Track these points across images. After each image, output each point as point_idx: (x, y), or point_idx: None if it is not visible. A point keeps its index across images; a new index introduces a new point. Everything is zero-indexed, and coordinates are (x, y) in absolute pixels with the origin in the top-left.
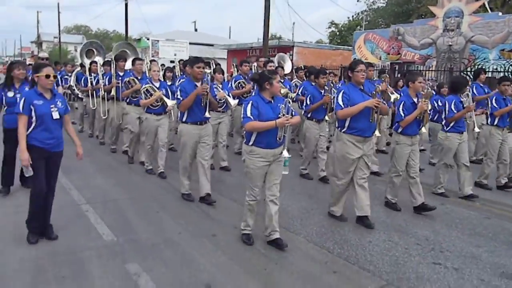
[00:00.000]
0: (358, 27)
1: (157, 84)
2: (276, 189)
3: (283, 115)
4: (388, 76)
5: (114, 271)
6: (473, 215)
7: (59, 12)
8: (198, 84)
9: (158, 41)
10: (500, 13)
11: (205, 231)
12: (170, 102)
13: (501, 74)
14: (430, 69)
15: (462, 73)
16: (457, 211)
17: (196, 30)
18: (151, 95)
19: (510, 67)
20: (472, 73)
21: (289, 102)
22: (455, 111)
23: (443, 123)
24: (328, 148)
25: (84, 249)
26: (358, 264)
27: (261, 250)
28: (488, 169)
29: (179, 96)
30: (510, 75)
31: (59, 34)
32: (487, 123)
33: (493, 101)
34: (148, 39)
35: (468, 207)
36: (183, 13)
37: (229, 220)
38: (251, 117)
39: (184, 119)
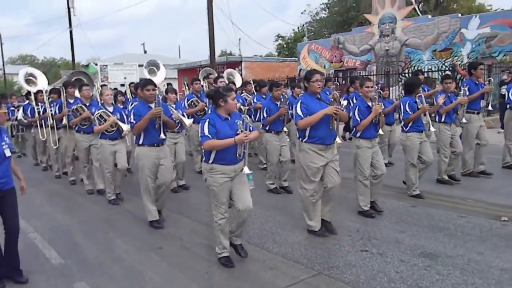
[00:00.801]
0: (304, 38)
1: (111, 109)
2: (247, 199)
3: (242, 131)
4: (338, 84)
5: None
6: (401, 204)
7: (1, 43)
8: (152, 105)
9: (106, 65)
10: (430, 16)
11: (151, 244)
12: (125, 127)
13: (436, 74)
14: (371, 73)
15: (400, 76)
16: (388, 202)
17: (145, 52)
18: (105, 120)
19: (443, 66)
20: (467, 67)
21: (246, 118)
22: (410, 112)
23: (401, 124)
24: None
25: (32, 274)
26: (293, 259)
27: (205, 256)
28: (444, 165)
29: (132, 120)
30: (442, 73)
31: (3, 65)
32: (435, 120)
33: (407, 107)
34: (96, 64)
35: (398, 198)
36: (133, 36)
37: (176, 232)
38: (209, 135)
39: (140, 142)
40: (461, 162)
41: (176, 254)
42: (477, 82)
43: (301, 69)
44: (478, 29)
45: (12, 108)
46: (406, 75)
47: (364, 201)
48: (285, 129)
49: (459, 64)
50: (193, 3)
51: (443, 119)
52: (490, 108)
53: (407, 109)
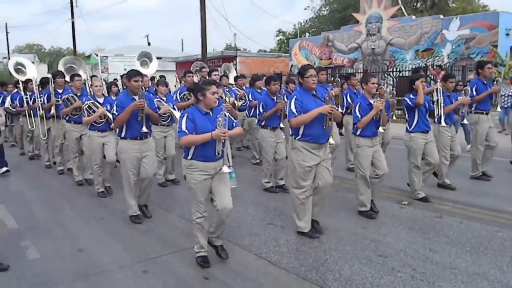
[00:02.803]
0: (307, 34)
1: (101, 100)
2: (226, 200)
3: (220, 127)
4: (339, 80)
5: (9, 247)
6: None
7: (7, 32)
8: (136, 98)
9: (107, 57)
10: (414, 17)
11: (95, 215)
12: None
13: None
14: (358, 71)
15: (384, 74)
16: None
17: (149, 44)
18: (94, 111)
19: (424, 65)
20: (475, 66)
21: (225, 114)
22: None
23: (406, 124)
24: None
25: None
26: (286, 268)
27: (136, 226)
28: (445, 167)
29: (114, 111)
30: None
31: (8, 53)
32: (434, 121)
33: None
34: (97, 55)
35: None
36: (139, 28)
37: (121, 206)
38: (186, 131)
39: (122, 135)
40: (471, 165)
41: (113, 223)
42: (485, 82)
43: (292, 65)
44: (458, 30)
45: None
46: (390, 73)
47: (365, 201)
48: (281, 125)
49: (432, 65)
50: None
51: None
52: (499, 109)
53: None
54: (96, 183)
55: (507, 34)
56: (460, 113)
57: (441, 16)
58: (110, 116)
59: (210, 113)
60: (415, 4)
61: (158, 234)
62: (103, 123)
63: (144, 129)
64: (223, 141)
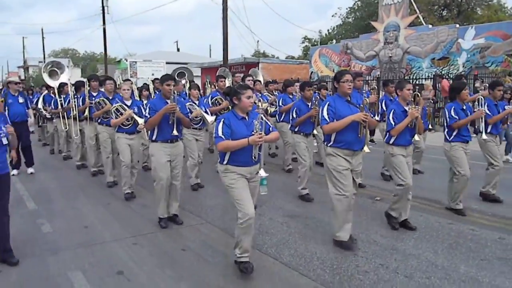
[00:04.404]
0: (334, 40)
1: (129, 103)
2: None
3: (257, 131)
4: (376, 87)
5: (27, 223)
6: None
7: (43, 37)
8: (169, 101)
9: (136, 62)
10: (430, 26)
11: (103, 201)
12: (141, 120)
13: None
14: (376, 78)
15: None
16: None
17: (178, 50)
18: (121, 114)
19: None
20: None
21: (262, 118)
22: (456, 117)
23: (445, 132)
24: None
25: (12, 215)
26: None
27: (136, 210)
28: (497, 176)
29: (146, 114)
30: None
31: (44, 58)
32: (478, 131)
33: (452, 113)
34: (126, 60)
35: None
36: (170, 33)
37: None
38: (223, 136)
39: (154, 138)
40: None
41: (117, 207)
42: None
43: (312, 71)
44: (473, 39)
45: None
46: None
47: (395, 212)
48: (315, 131)
49: (445, 74)
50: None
51: (489, 130)
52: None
53: (453, 115)
54: (123, 184)
55: None
56: (508, 122)
57: (457, 26)
58: (137, 118)
59: (246, 117)
60: (441, 12)
61: (152, 216)
62: (130, 125)
63: (175, 132)
64: (259, 145)
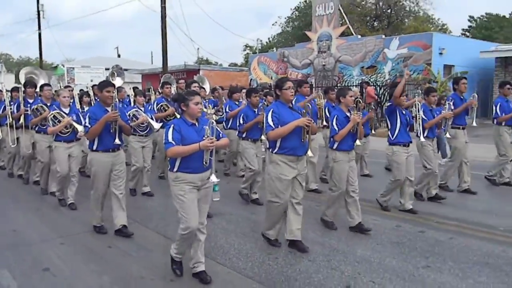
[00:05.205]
0: (274, 48)
1: (67, 110)
2: (204, 217)
3: (207, 137)
4: (321, 94)
5: None
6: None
7: None
8: (109, 109)
9: (73, 68)
10: (359, 36)
11: (33, 207)
12: (80, 128)
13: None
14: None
15: (334, 89)
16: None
17: (119, 55)
18: (59, 121)
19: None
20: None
21: (213, 123)
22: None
23: (389, 133)
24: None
25: None
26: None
27: (66, 213)
28: (436, 178)
29: (87, 123)
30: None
31: None
32: (416, 135)
33: (422, 114)
34: (63, 66)
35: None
36: (111, 39)
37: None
38: (173, 142)
39: (94, 147)
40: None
41: (50, 213)
42: (462, 97)
43: (251, 78)
44: (397, 49)
45: None
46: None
47: (330, 214)
48: (262, 137)
49: (370, 81)
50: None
51: (426, 134)
52: (474, 124)
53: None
54: (67, 196)
55: (440, 53)
56: (442, 127)
57: (383, 36)
58: (76, 126)
59: (196, 124)
60: (372, 23)
61: (82, 218)
62: (69, 133)
63: (117, 141)
64: (210, 150)
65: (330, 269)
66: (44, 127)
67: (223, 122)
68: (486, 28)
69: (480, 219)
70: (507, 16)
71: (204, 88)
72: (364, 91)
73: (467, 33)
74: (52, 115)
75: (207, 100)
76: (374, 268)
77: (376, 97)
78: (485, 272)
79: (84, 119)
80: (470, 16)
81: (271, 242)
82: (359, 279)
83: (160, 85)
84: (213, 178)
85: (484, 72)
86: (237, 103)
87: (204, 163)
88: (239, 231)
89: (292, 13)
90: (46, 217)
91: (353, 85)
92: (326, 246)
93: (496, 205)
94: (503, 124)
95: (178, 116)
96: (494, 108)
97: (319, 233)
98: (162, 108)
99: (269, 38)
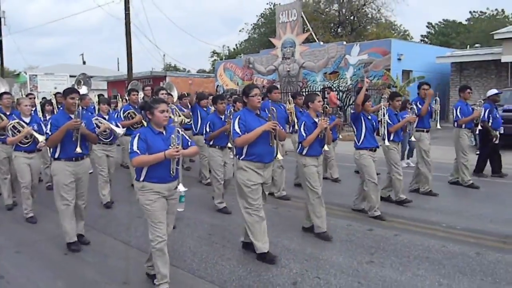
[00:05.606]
0: (242, 55)
1: (27, 119)
2: (170, 227)
3: (173, 145)
4: (291, 99)
5: None
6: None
7: None
8: (73, 116)
9: (36, 75)
10: (322, 43)
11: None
12: (41, 138)
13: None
14: None
15: (299, 94)
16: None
17: (84, 62)
18: (19, 131)
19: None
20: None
21: (179, 131)
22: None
23: (355, 139)
24: None
25: None
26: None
27: (23, 223)
28: (400, 183)
29: (48, 131)
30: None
31: None
32: (382, 139)
33: (387, 118)
34: (26, 73)
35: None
36: (77, 46)
37: (18, 210)
38: (138, 151)
39: (56, 156)
40: (422, 180)
41: (16, 230)
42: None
43: (218, 85)
44: (358, 55)
45: None
46: (304, 93)
47: (322, 222)
48: (229, 144)
49: (333, 87)
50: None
51: (391, 138)
52: (438, 127)
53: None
54: (25, 207)
55: (399, 59)
56: (408, 130)
57: (344, 43)
58: (37, 136)
59: (164, 132)
60: (336, 29)
61: (39, 226)
62: (30, 143)
63: (79, 149)
64: (177, 159)
65: (280, 267)
66: (3, 137)
67: (192, 128)
68: (444, 34)
69: (426, 216)
70: (464, 22)
71: (171, 95)
72: (326, 96)
73: (426, 39)
74: (12, 124)
75: (174, 107)
76: (321, 265)
77: (339, 102)
78: (424, 266)
79: (46, 126)
80: (428, 23)
81: (266, 258)
82: (306, 275)
83: (127, 92)
84: (181, 188)
85: (440, 76)
86: (205, 109)
87: (171, 172)
88: (196, 234)
89: (258, 19)
90: (1, 227)
91: (317, 91)
92: (279, 246)
93: (443, 203)
94: (463, 126)
95: (146, 124)
96: (454, 111)
97: (274, 234)
98: (129, 115)
99: (236, 45)
